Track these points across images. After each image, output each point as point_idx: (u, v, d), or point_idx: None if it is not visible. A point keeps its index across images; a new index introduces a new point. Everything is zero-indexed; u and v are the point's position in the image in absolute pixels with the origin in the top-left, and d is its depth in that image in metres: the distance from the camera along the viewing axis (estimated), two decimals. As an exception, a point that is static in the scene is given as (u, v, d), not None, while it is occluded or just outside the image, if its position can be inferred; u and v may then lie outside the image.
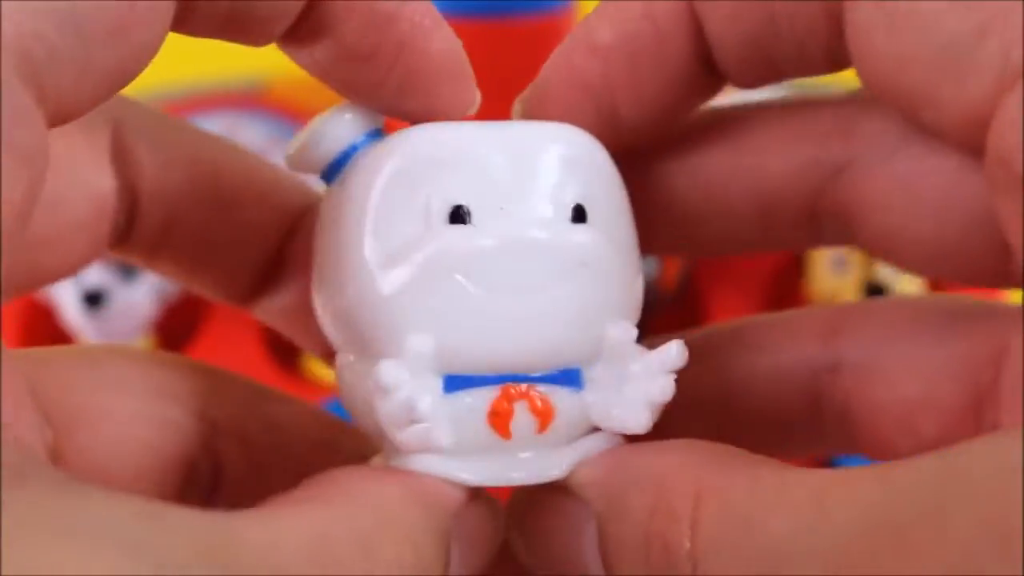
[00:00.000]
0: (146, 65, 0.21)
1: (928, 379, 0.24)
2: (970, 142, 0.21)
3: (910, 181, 0.24)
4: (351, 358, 0.23)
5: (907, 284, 0.46)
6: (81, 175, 0.23)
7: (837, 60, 0.23)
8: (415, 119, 0.23)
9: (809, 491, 0.19)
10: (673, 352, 0.22)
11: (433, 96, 0.23)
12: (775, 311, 0.28)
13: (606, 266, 0.22)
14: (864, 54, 0.22)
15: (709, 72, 0.24)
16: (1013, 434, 0.18)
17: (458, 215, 0.21)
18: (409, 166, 0.22)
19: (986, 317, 0.24)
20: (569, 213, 0.22)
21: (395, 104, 0.23)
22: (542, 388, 0.22)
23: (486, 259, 0.21)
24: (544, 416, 0.22)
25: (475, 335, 0.21)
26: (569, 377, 0.22)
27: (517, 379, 0.22)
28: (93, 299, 0.46)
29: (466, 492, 0.22)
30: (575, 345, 0.22)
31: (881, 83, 0.22)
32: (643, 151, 0.25)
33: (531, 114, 0.24)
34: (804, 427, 0.26)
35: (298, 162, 0.24)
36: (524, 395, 0.22)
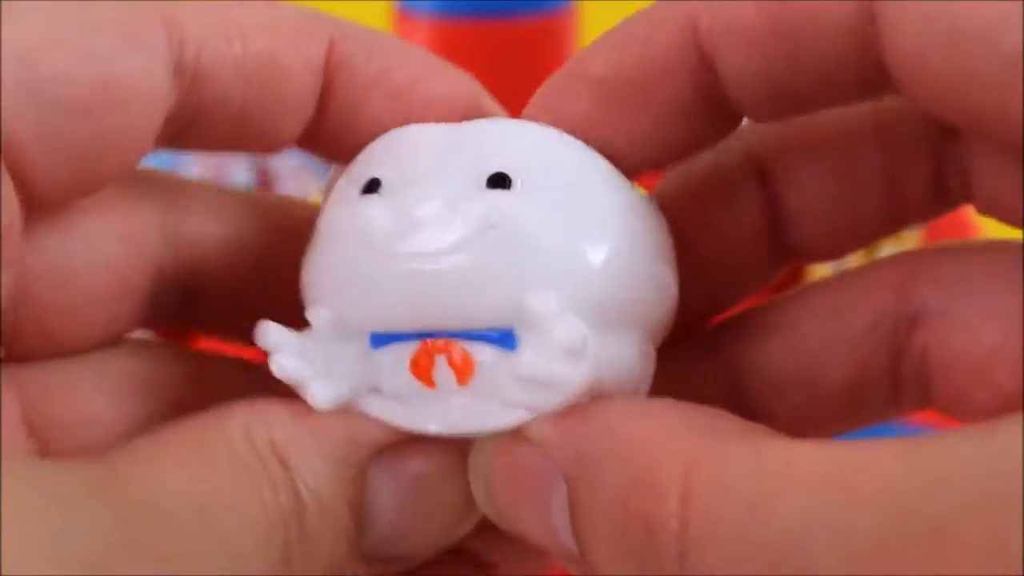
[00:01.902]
0: (126, 156, 0.21)
1: (1007, 326, 0.23)
2: None
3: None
4: None
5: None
6: (101, 250, 0.23)
7: (868, 87, 0.22)
8: None
9: (826, 468, 0.17)
10: (563, 332, 0.21)
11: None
12: (778, 288, 0.27)
13: (526, 231, 0.21)
14: (916, 78, 0.21)
15: (718, 108, 0.23)
16: None
17: (371, 187, 0.22)
18: (362, 156, 0.23)
19: None
20: (484, 181, 0.22)
21: None
22: (465, 344, 0.22)
23: (392, 223, 0.22)
24: (461, 370, 0.22)
25: (383, 295, 0.22)
26: (498, 337, 0.22)
27: (441, 335, 0.22)
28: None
29: (388, 433, 0.22)
30: (493, 307, 0.21)
31: (938, 103, 0.21)
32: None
33: None
34: (885, 390, 0.24)
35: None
36: (442, 349, 0.22)
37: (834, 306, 0.24)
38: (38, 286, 0.22)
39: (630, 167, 0.23)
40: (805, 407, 0.24)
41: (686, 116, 0.22)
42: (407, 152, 0.23)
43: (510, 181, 0.22)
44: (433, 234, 0.21)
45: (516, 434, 0.21)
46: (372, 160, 0.23)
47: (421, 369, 0.22)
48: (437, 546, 0.22)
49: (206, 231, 0.24)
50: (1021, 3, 0.19)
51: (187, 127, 0.22)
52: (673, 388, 0.21)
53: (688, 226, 0.24)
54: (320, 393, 0.22)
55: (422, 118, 0.23)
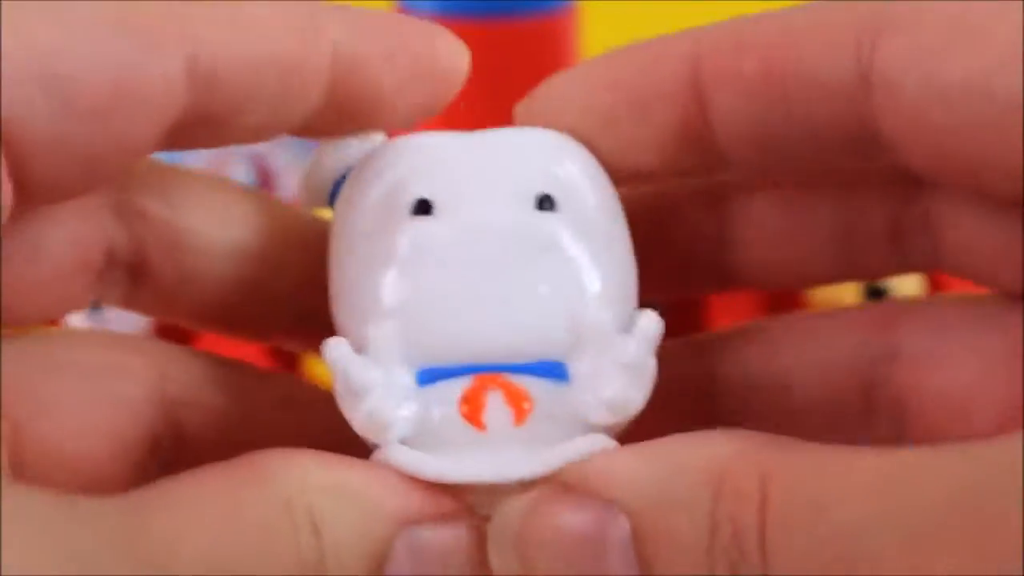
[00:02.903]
0: (131, 156, 0.21)
1: (986, 364, 0.23)
2: None
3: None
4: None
5: (908, 287, 0.45)
6: (66, 227, 0.23)
7: (859, 149, 0.22)
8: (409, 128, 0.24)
9: (883, 470, 0.19)
10: (646, 322, 0.22)
11: (436, 104, 0.23)
12: (776, 311, 0.28)
13: (577, 254, 0.22)
14: (914, 134, 0.21)
15: (702, 150, 0.23)
16: None
17: (422, 208, 0.22)
18: (380, 167, 0.22)
19: None
20: (534, 201, 0.22)
21: (403, 121, 0.24)
22: (518, 379, 0.21)
23: (448, 247, 0.21)
24: (520, 407, 0.21)
25: (441, 324, 0.21)
26: (550, 369, 0.22)
27: (491, 369, 0.21)
28: (93, 300, 0.46)
29: (429, 505, 0.21)
30: (547, 334, 0.21)
31: (939, 159, 0.21)
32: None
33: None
34: (855, 419, 0.25)
35: (308, 198, 0.24)
36: (499, 384, 0.21)
37: (815, 330, 0.25)
38: (9, 266, 0.22)
39: (620, 177, 0.23)
40: (775, 421, 0.24)
41: (671, 147, 0.23)
42: (445, 168, 0.22)
43: (555, 203, 0.22)
44: (490, 258, 0.21)
45: (554, 485, 0.21)
46: (403, 175, 0.22)
47: (473, 409, 0.21)
48: None
49: (155, 210, 0.24)
50: (1013, 49, 0.20)
51: (194, 129, 0.21)
52: (653, 391, 0.22)
53: (649, 227, 0.24)
54: (389, 415, 0.21)
55: (428, 101, 0.23)
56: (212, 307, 0.25)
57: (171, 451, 0.24)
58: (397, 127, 0.24)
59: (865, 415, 0.25)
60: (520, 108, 0.24)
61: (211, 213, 0.25)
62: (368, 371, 0.21)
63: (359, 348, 0.21)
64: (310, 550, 0.20)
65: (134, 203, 0.24)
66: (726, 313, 0.46)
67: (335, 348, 0.21)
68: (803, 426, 0.24)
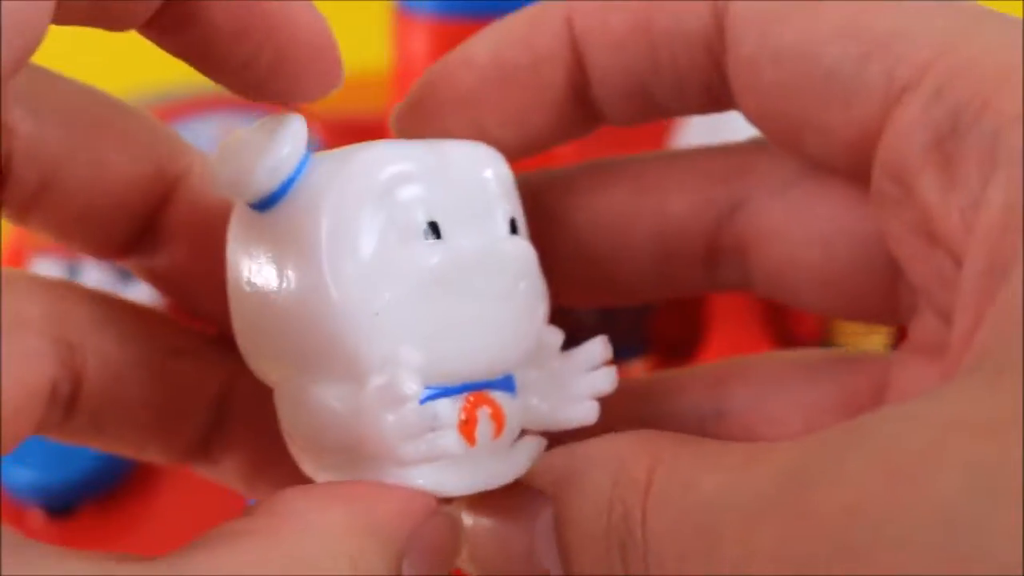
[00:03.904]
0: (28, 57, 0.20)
1: (811, 415, 0.25)
2: (858, 168, 0.22)
3: (801, 212, 0.25)
4: (304, 382, 0.22)
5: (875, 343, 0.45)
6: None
7: (715, 99, 0.24)
8: (284, 100, 0.23)
9: (744, 454, 0.20)
10: (598, 347, 0.24)
11: (303, 75, 0.23)
12: (776, 315, 0.28)
13: (536, 274, 0.23)
14: (749, 87, 0.23)
15: (585, 107, 0.25)
16: (917, 399, 0.19)
17: (431, 231, 0.22)
18: (372, 186, 0.22)
19: (867, 359, 0.25)
20: (508, 226, 0.23)
21: (263, 85, 0.23)
22: (493, 394, 0.23)
23: (467, 271, 0.22)
24: (500, 421, 0.23)
25: (453, 346, 0.22)
26: (508, 383, 0.23)
27: (478, 387, 0.22)
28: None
29: (425, 510, 0.22)
30: (521, 351, 0.23)
31: (767, 115, 0.23)
32: (546, 193, 0.26)
33: (404, 123, 0.25)
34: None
35: (229, 188, 0.23)
36: (484, 402, 0.22)
37: (652, 394, 0.27)
38: None
39: (498, 143, 0.24)
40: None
41: (557, 109, 0.25)
42: (436, 187, 0.22)
43: (516, 227, 0.23)
44: (497, 281, 0.22)
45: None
46: (405, 194, 0.22)
47: (470, 426, 0.22)
48: None
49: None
50: (844, 22, 0.22)
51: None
52: None
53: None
54: (453, 445, 0.22)
55: (261, 31, 0.22)
56: (69, 218, 0.25)
57: (70, 395, 0.25)
58: (290, 100, 0.24)
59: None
60: (408, 104, 0.25)
61: (68, 118, 0.25)
62: (415, 381, 0.21)
63: (364, 368, 0.21)
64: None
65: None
66: (725, 313, 0.46)
67: (411, 382, 0.21)
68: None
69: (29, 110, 0.24)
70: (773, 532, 0.19)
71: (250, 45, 0.22)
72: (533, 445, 0.23)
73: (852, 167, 0.23)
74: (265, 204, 0.22)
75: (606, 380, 0.23)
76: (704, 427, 0.26)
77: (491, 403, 0.22)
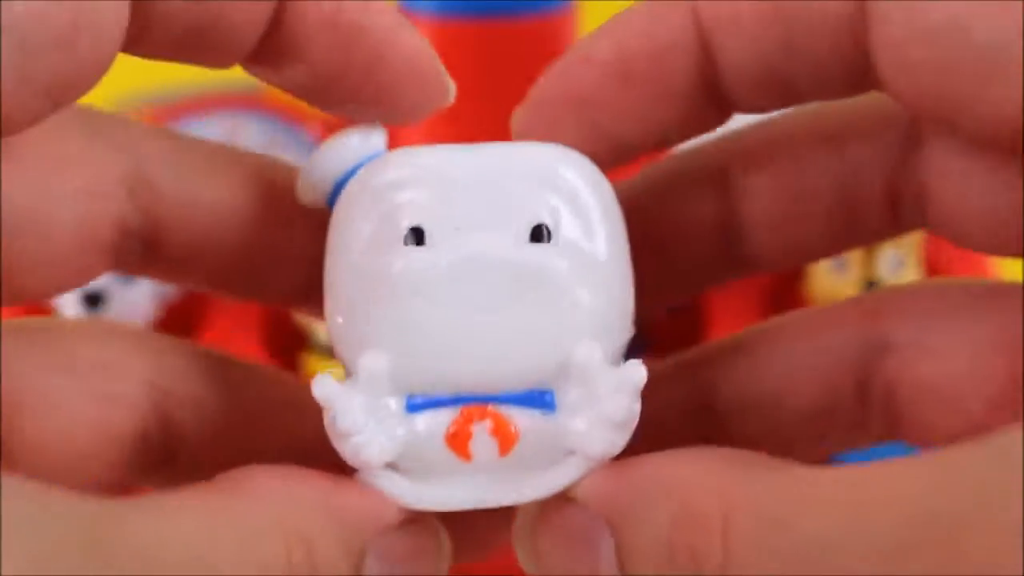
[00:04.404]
0: (94, 80, 0.21)
1: (976, 353, 0.24)
2: (1016, 145, 0.21)
3: (982, 153, 0.23)
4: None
5: (907, 279, 0.45)
6: (70, 205, 0.23)
7: (857, 81, 0.23)
8: (391, 122, 0.24)
9: (845, 488, 0.19)
10: (631, 371, 0.21)
11: (407, 98, 0.23)
12: (776, 313, 0.28)
13: (568, 285, 0.22)
14: (898, 67, 0.22)
15: (713, 98, 0.24)
16: None
17: (415, 236, 0.22)
18: (376, 189, 0.22)
19: None
20: (527, 233, 0.22)
21: (368, 111, 0.24)
22: (505, 409, 0.22)
23: (441, 280, 0.21)
24: (505, 438, 0.22)
25: (431, 355, 0.22)
26: (538, 399, 0.22)
27: (481, 399, 0.22)
28: (93, 300, 0.46)
29: (400, 513, 0.22)
30: (535, 366, 0.22)
31: (919, 95, 0.22)
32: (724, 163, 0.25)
33: (522, 126, 0.24)
34: (852, 417, 0.25)
35: (306, 193, 0.24)
36: (486, 415, 0.22)
37: (802, 334, 0.25)
38: (12, 246, 0.22)
39: (625, 148, 0.24)
40: (772, 431, 0.24)
41: (684, 101, 0.24)
42: (440, 194, 0.22)
43: (549, 234, 0.22)
44: (483, 290, 0.21)
45: (559, 495, 0.22)
46: (397, 200, 0.22)
47: (459, 440, 0.21)
48: None
49: (166, 182, 0.24)
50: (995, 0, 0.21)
51: (139, 34, 0.21)
52: (645, 412, 0.22)
53: (648, 224, 0.25)
54: (379, 454, 0.21)
55: (366, 63, 0.23)
56: (224, 272, 0.25)
57: (162, 446, 0.24)
58: (395, 122, 0.24)
59: (861, 414, 0.25)
60: (518, 110, 0.24)
61: (219, 179, 0.25)
62: (353, 414, 0.21)
63: (352, 371, 0.22)
64: (302, 566, 0.20)
65: (145, 175, 0.24)
66: (726, 314, 0.46)
67: (320, 386, 0.22)
68: (800, 435, 0.24)
69: (174, 173, 0.24)
70: (919, 570, 0.18)
71: (353, 80, 0.23)
72: (567, 470, 0.22)
73: (1013, 143, 0.22)
74: (331, 203, 0.24)
75: (621, 410, 0.21)
76: (867, 364, 0.25)
77: (496, 417, 0.22)
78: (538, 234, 0.22)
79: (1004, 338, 0.23)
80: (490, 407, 0.22)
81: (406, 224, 0.22)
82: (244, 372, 0.26)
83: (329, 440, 0.22)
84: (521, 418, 0.22)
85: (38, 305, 0.47)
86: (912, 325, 0.24)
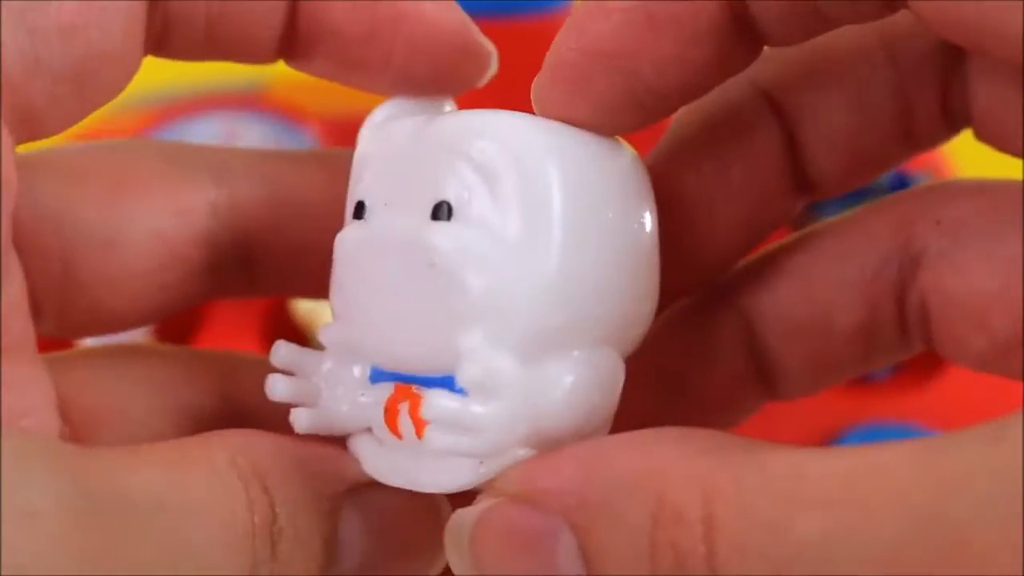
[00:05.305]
0: (119, 73, 0.21)
1: (1004, 271, 0.23)
2: None
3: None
4: None
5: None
6: (151, 223, 0.23)
7: (886, 4, 0.22)
8: (431, 93, 0.23)
9: (839, 486, 0.18)
10: (468, 372, 0.20)
11: (443, 66, 0.23)
12: None
13: (454, 268, 0.20)
14: None
15: (743, 32, 0.22)
16: None
17: (359, 211, 0.22)
18: (357, 158, 0.23)
19: None
20: (430, 210, 0.21)
21: (406, 82, 0.23)
22: (426, 391, 0.21)
23: (360, 255, 0.22)
24: (419, 421, 0.21)
25: (363, 329, 0.22)
26: (443, 381, 0.21)
27: (406, 379, 0.21)
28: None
29: (361, 476, 0.22)
30: (436, 348, 0.21)
31: (946, 19, 0.21)
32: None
33: (544, 94, 0.22)
34: (894, 332, 0.25)
35: None
36: (408, 396, 0.21)
37: (843, 249, 0.24)
38: (86, 260, 0.22)
39: (660, 95, 0.22)
40: (819, 351, 0.24)
41: (713, 39, 0.22)
42: (383, 167, 0.22)
43: (450, 211, 0.21)
44: (388, 269, 0.21)
45: (497, 493, 0.20)
46: (360, 167, 0.23)
47: (390, 417, 0.21)
48: None
49: (254, 197, 0.24)
50: None
51: (162, 34, 0.22)
52: (691, 340, 0.21)
53: (705, 168, 0.24)
54: (300, 418, 0.22)
55: (390, 22, 0.23)
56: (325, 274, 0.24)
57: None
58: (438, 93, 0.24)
59: (901, 326, 0.24)
60: (546, 71, 0.23)
61: (303, 181, 0.25)
62: (289, 353, 0.22)
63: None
64: (260, 504, 0.20)
65: (230, 193, 0.24)
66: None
67: (277, 352, 0.22)
68: (848, 354, 0.24)
69: (259, 185, 0.25)
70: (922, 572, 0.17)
71: (382, 45, 0.23)
72: (507, 459, 0.20)
73: None
74: None
75: (427, 411, 0.20)
76: (901, 275, 0.24)
77: (414, 399, 0.21)
78: (439, 212, 0.21)
79: None
80: (413, 388, 0.21)
81: (356, 198, 0.22)
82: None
83: None
84: (434, 401, 0.20)
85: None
86: (945, 236, 0.23)
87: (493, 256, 0.21)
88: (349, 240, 0.22)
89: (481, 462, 0.21)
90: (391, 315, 0.21)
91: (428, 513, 0.22)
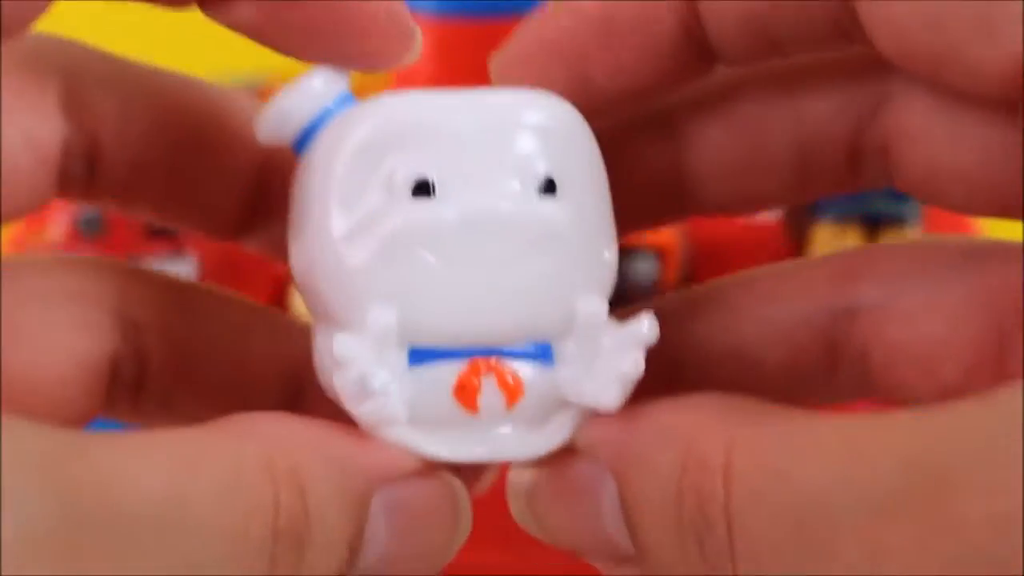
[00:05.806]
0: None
1: (950, 316, 0.23)
2: (1005, 98, 0.21)
3: (953, 111, 0.23)
4: (320, 327, 0.23)
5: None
6: (17, 124, 0.23)
7: (843, 33, 0.22)
8: (354, 67, 0.23)
9: (843, 438, 0.19)
10: (644, 326, 0.22)
11: (369, 41, 0.23)
12: None
13: (574, 240, 0.22)
14: (883, 21, 0.21)
15: (698, 50, 0.23)
16: None
17: (422, 188, 0.21)
18: (375, 136, 0.22)
19: (1003, 253, 0.23)
20: (538, 186, 0.22)
21: (331, 52, 0.23)
22: (511, 363, 0.22)
23: (450, 233, 0.21)
24: (512, 391, 0.22)
25: (439, 308, 0.21)
26: (540, 352, 0.22)
27: (485, 352, 0.22)
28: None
29: (411, 466, 0.21)
30: (543, 320, 0.22)
31: (904, 50, 0.22)
32: (673, 109, 0.25)
33: (502, 74, 0.24)
34: (820, 377, 0.25)
35: (270, 133, 0.23)
36: (492, 368, 0.22)
37: (773, 292, 0.25)
38: None
39: (607, 99, 0.24)
40: (740, 386, 0.24)
41: (668, 53, 0.23)
42: (445, 142, 0.22)
43: (556, 187, 0.22)
44: (493, 246, 0.21)
45: (562, 448, 0.22)
46: (399, 148, 0.22)
47: (467, 393, 0.21)
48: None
49: (103, 101, 0.24)
50: None
51: None
52: None
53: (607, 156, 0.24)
54: (401, 414, 0.21)
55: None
56: (166, 196, 0.25)
57: (135, 375, 0.24)
58: (357, 68, 0.23)
59: (829, 374, 0.25)
60: (498, 55, 0.24)
61: (156, 100, 0.24)
62: (380, 376, 0.21)
63: (346, 323, 0.22)
64: (292, 509, 0.19)
65: (81, 94, 0.24)
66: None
67: (342, 345, 0.21)
68: (770, 392, 0.24)
69: (115, 96, 0.24)
70: (906, 536, 0.18)
71: (310, 7, 0.22)
72: (566, 422, 0.22)
73: (1001, 99, 0.21)
74: (299, 146, 0.23)
75: (632, 365, 0.21)
76: (834, 328, 0.24)
77: (504, 371, 0.22)
78: (548, 188, 0.22)
79: (981, 300, 0.23)
80: (494, 360, 0.22)
81: (411, 174, 0.21)
82: (215, 300, 0.26)
83: (304, 371, 0.22)
84: (524, 371, 0.22)
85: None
86: (884, 286, 0.24)
87: (590, 229, 0.22)
88: (436, 217, 0.21)
89: (573, 419, 0.22)
90: (483, 289, 0.21)
91: (450, 509, 0.22)
